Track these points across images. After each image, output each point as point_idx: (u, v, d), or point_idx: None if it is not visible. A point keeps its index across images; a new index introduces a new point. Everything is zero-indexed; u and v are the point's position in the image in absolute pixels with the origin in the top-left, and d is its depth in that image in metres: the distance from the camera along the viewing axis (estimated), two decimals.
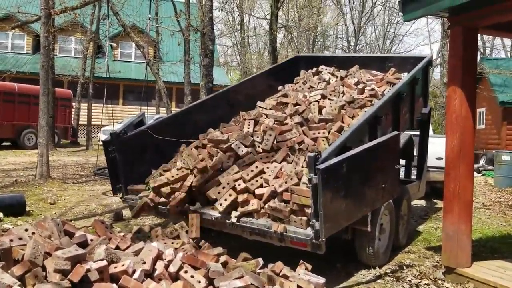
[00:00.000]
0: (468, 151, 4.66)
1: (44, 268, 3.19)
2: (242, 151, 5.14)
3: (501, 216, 8.54)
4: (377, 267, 5.01)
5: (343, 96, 6.45)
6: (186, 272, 3.52)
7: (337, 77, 7.22)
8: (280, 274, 3.79)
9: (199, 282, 3.44)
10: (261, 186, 4.76)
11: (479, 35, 5.13)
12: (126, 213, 6.93)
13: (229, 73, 40.44)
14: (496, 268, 4.66)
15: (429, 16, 6.41)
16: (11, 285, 2.92)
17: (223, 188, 4.77)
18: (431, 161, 8.56)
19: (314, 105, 6.19)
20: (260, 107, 6.43)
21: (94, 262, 3.29)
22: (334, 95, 6.45)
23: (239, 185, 4.73)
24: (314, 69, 7.68)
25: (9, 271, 3.07)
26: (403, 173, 7.44)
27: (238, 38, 35.55)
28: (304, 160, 4.79)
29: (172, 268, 3.53)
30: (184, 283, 3.41)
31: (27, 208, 7.07)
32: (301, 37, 32.96)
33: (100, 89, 18.49)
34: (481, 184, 13.04)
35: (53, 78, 17.78)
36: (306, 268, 3.96)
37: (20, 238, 3.51)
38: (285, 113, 6.04)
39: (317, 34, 33.09)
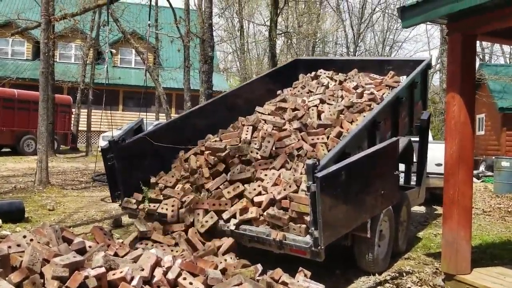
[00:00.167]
0: (467, 157, 4.66)
1: (42, 275, 3.18)
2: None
3: (501, 222, 8.52)
4: (376, 274, 4.99)
5: (342, 100, 6.44)
6: (184, 279, 3.51)
7: (335, 81, 7.21)
8: (279, 281, 3.77)
9: None
10: (259, 193, 4.75)
11: (478, 41, 5.14)
12: (125, 219, 6.92)
13: (229, 79, 40.49)
14: (496, 275, 4.64)
15: (428, 23, 6.43)
16: None
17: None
18: (430, 167, 8.55)
19: (313, 110, 6.18)
20: (259, 112, 6.42)
21: (92, 269, 3.28)
22: (333, 100, 6.44)
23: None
24: (313, 73, 7.67)
25: (6, 278, 3.05)
26: (403, 179, 7.43)
27: (238, 45, 35.62)
28: (303, 167, 4.78)
29: (171, 275, 3.51)
30: None
31: (26, 215, 7.05)
32: (300, 43, 33.05)
33: (100, 95, 18.51)
34: (480, 190, 13.03)
35: (53, 84, 17.81)
36: (305, 275, 3.94)
37: (18, 245, 3.50)
38: (283, 119, 6.03)
39: (317, 40, 33.17)
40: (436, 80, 34.94)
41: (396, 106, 5.86)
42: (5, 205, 6.84)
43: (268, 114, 6.27)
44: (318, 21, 31.44)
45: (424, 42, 67.58)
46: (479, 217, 8.88)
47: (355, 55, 34.58)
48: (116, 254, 3.88)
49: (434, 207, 9.75)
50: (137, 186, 5.51)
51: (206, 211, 4.83)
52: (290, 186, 4.54)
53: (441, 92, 24.03)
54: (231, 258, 4.41)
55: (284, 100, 6.69)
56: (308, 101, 6.49)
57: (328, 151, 5.05)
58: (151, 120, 21.46)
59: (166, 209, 5.02)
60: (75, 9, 12.65)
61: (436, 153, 8.46)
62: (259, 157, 5.27)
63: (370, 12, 36.79)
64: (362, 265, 5.03)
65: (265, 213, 4.52)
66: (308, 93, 6.99)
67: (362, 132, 4.94)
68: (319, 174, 3.86)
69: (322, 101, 6.40)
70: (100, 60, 26.64)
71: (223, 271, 3.89)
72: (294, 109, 6.30)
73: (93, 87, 22.35)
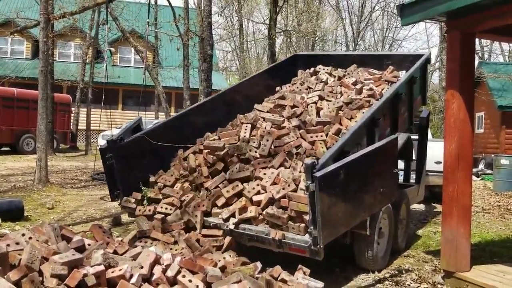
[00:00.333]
0: (467, 155, 4.66)
1: (41, 273, 3.17)
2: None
3: (500, 220, 8.53)
4: (376, 272, 5.00)
5: (341, 96, 6.41)
6: (184, 276, 3.51)
7: (334, 76, 7.17)
8: (279, 279, 3.77)
9: (197, 286, 3.43)
10: (258, 192, 4.76)
11: (477, 39, 5.14)
12: (125, 217, 6.92)
13: (228, 78, 40.48)
14: (496, 272, 4.64)
15: (427, 21, 6.43)
16: None
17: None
18: (430, 165, 8.55)
19: (311, 107, 6.16)
20: (257, 110, 6.39)
21: (91, 266, 3.28)
22: (332, 96, 6.41)
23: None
24: (312, 69, 7.63)
25: (5, 276, 3.05)
26: (402, 177, 7.43)
27: (237, 43, 35.62)
28: (302, 165, 4.77)
29: (170, 273, 3.51)
30: None
31: (25, 213, 7.05)
32: (300, 42, 33.01)
33: (99, 94, 18.50)
34: (480, 188, 13.04)
35: (52, 83, 17.80)
36: (305, 273, 3.94)
37: (17, 243, 3.50)
38: (282, 116, 6.01)
39: (316, 39, 33.13)
40: (435, 78, 34.99)
41: (395, 102, 5.85)
42: (4, 203, 6.84)
43: (267, 112, 6.24)
44: (318, 19, 31.42)
45: (423, 40, 67.54)
46: (479, 215, 8.89)
47: None
48: (115, 252, 3.88)
49: (434, 205, 9.75)
50: (136, 185, 5.51)
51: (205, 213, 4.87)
52: (289, 185, 4.54)
53: (441, 90, 24.03)
54: (230, 255, 4.41)
55: (282, 97, 6.67)
56: (307, 98, 6.46)
57: (327, 148, 5.05)
58: (151, 119, 21.49)
59: (166, 209, 5.04)
60: (74, 8, 12.64)
61: (436, 151, 8.46)
62: (258, 156, 5.26)
63: (369, 11, 36.81)
64: (361, 263, 5.03)
65: (264, 212, 4.52)
66: (307, 89, 6.95)
67: (361, 129, 4.93)
68: (318, 174, 3.85)
69: (321, 98, 6.37)
70: (99, 59, 26.62)
71: (223, 269, 3.89)
72: (293, 106, 6.27)
73: (93, 86, 22.32)
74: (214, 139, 5.73)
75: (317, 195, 3.84)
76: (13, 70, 24.91)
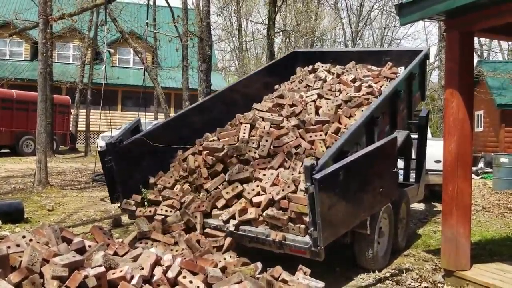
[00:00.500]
0: (466, 154, 4.66)
1: (41, 275, 3.18)
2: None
3: (500, 219, 8.53)
4: (376, 271, 4.99)
5: (339, 94, 6.40)
6: (184, 277, 3.51)
7: (333, 74, 7.15)
8: (279, 279, 3.77)
9: (198, 287, 3.43)
10: (258, 194, 4.75)
11: (476, 38, 5.15)
12: (125, 219, 6.92)
13: (227, 78, 40.47)
14: (496, 271, 4.65)
15: (425, 20, 6.43)
16: None
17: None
18: (429, 164, 8.56)
19: (310, 105, 6.13)
20: (256, 109, 6.36)
21: (92, 268, 3.28)
22: (331, 94, 6.39)
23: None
24: (310, 66, 7.60)
25: (6, 278, 3.05)
26: (402, 176, 7.43)
27: (236, 43, 35.63)
28: (301, 166, 4.77)
29: (171, 274, 3.51)
30: None
31: (26, 215, 7.05)
32: (299, 41, 33.00)
33: (98, 95, 18.52)
34: (480, 187, 13.04)
35: (51, 85, 17.79)
36: (305, 273, 3.95)
37: (18, 245, 3.50)
38: (281, 115, 6.00)
39: (315, 38, 33.14)
40: (434, 77, 34.97)
41: (394, 100, 5.84)
42: (4, 205, 6.83)
43: (266, 111, 6.21)
44: (316, 19, 31.43)
45: (422, 39, 67.38)
46: (479, 214, 8.89)
47: None
48: (115, 254, 3.88)
49: (434, 204, 9.76)
50: (136, 187, 5.50)
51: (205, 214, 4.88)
52: (288, 186, 4.53)
53: (440, 89, 24.05)
54: (230, 256, 4.41)
55: (281, 96, 6.64)
56: (306, 97, 6.43)
57: (327, 148, 5.04)
58: (150, 119, 21.49)
59: (166, 211, 5.04)
60: (73, 9, 12.62)
61: (435, 150, 8.46)
62: (257, 156, 5.25)
63: (368, 10, 36.83)
64: (361, 262, 5.03)
65: (264, 214, 4.52)
66: (305, 87, 6.92)
67: (360, 129, 4.93)
68: (317, 176, 3.84)
69: (319, 96, 6.35)
70: (99, 60, 26.62)
71: (223, 269, 3.90)
72: (292, 105, 6.25)
73: (92, 87, 22.33)
74: (213, 140, 5.72)
75: (316, 197, 3.83)
76: (12, 72, 24.89)
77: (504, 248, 6.16)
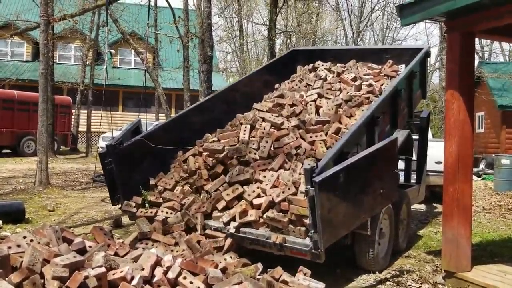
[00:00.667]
0: (467, 155, 4.66)
1: (42, 275, 3.18)
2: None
3: (501, 220, 8.52)
4: (377, 272, 4.99)
5: (340, 93, 6.37)
6: (185, 278, 3.51)
7: (333, 72, 7.11)
8: (280, 280, 3.78)
9: None
10: (258, 196, 4.75)
11: (477, 39, 5.15)
12: (126, 219, 6.92)
13: (228, 79, 40.49)
14: (497, 272, 4.64)
15: (426, 21, 6.44)
16: None
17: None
18: (430, 165, 8.55)
19: (311, 105, 6.10)
20: (256, 109, 6.32)
21: (92, 268, 3.28)
22: (331, 93, 6.36)
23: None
24: (311, 65, 7.56)
25: (6, 279, 3.06)
26: (403, 178, 7.42)
27: (237, 44, 35.64)
28: (301, 167, 4.76)
29: (171, 274, 3.52)
30: None
31: (26, 216, 7.05)
32: (300, 42, 33.02)
33: (99, 96, 18.53)
34: (481, 188, 13.03)
35: (52, 85, 17.82)
36: (306, 274, 3.95)
37: (18, 245, 3.50)
38: (281, 115, 5.96)
39: (316, 39, 33.14)
40: (435, 78, 34.97)
41: (395, 99, 5.82)
42: (5, 206, 6.84)
43: (266, 112, 6.17)
44: (317, 20, 31.44)
45: (423, 40, 67.22)
46: (479, 215, 8.88)
47: None
48: (116, 254, 3.89)
49: (434, 205, 9.75)
50: (137, 188, 5.49)
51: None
52: (289, 188, 4.52)
53: (441, 90, 24.01)
54: (231, 257, 4.41)
55: (281, 96, 6.59)
56: (306, 96, 6.40)
57: (327, 148, 5.03)
58: (151, 120, 21.49)
59: (166, 213, 5.04)
60: (74, 10, 12.64)
61: (436, 151, 8.45)
62: (258, 158, 5.23)
63: (369, 11, 36.80)
64: (362, 264, 5.03)
65: (264, 216, 4.51)
66: (306, 86, 6.88)
67: (361, 129, 4.92)
68: (317, 179, 3.82)
69: (320, 96, 6.31)
70: (100, 60, 26.64)
71: (224, 270, 3.90)
72: (292, 105, 6.21)
73: (93, 88, 22.34)
74: (213, 141, 5.70)
75: (317, 200, 3.82)
76: (14, 73, 24.92)
77: (505, 250, 6.16)
